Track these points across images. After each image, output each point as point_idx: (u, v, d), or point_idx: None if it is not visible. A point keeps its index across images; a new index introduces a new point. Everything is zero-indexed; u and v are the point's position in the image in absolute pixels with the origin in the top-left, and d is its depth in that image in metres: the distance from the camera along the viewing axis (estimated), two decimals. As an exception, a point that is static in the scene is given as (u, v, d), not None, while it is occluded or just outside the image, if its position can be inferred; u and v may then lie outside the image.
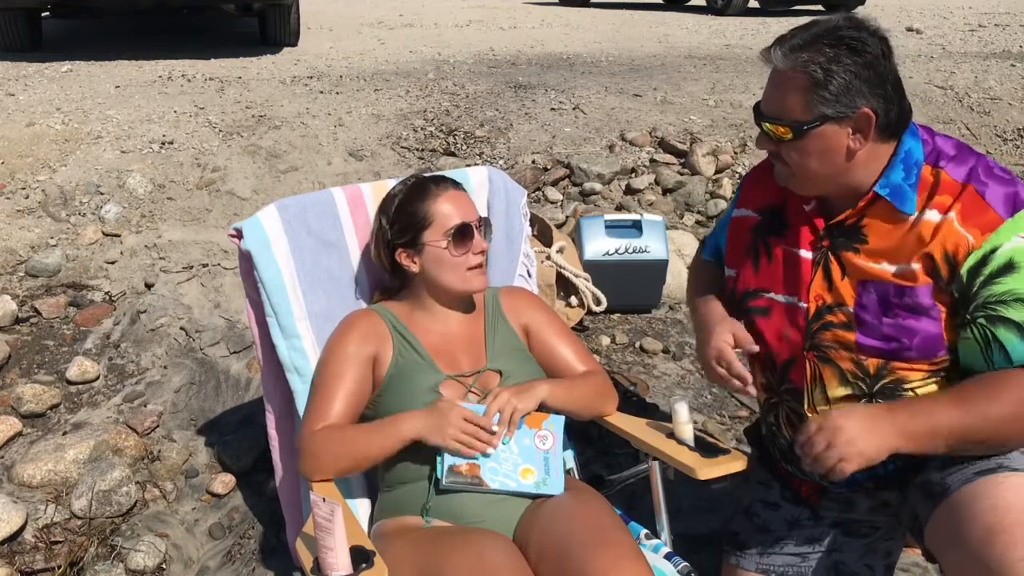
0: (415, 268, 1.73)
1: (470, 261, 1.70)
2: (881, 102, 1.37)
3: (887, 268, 1.43)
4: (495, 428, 1.55)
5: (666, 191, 3.87)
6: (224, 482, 2.30)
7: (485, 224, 1.75)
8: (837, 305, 1.49)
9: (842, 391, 1.51)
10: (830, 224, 1.51)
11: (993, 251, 1.34)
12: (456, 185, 1.75)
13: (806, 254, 1.54)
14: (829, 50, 1.36)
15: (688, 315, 3.19)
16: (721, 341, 1.58)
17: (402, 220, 1.72)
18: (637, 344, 2.98)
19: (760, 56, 1.46)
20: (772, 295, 1.59)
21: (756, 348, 1.59)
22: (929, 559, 1.51)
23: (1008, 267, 1.33)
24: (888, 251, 1.43)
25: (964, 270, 1.36)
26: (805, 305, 1.53)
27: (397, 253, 1.74)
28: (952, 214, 1.37)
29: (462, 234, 1.68)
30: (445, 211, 1.69)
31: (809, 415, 1.57)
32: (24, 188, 3.41)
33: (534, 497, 1.57)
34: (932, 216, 1.39)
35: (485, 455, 1.56)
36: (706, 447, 1.63)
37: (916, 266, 1.39)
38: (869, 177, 1.43)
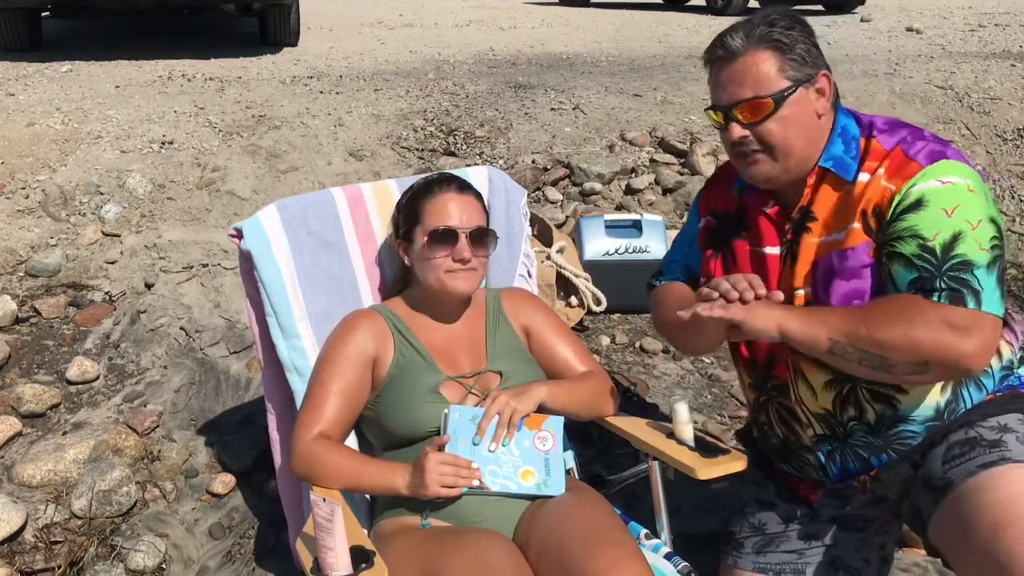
0: (407, 261, 1.76)
1: (447, 265, 1.68)
2: (829, 69, 1.49)
3: (834, 237, 1.47)
4: (474, 464, 1.54)
5: (666, 191, 3.87)
6: (224, 482, 2.30)
7: (486, 235, 1.72)
8: (794, 290, 1.52)
9: (824, 376, 1.52)
10: (791, 216, 1.54)
11: (908, 190, 1.39)
12: (463, 188, 1.74)
13: (772, 250, 1.57)
14: (781, 21, 1.46)
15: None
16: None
17: (404, 211, 1.77)
18: (637, 344, 2.98)
19: (705, 56, 1.53)
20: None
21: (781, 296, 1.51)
22: (931, 553, 1.52)
23: (916, 204, 1.38)
24: (834, 222, 1.48)
25: (888, 216, 1.41)
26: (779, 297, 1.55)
27: (397, 243, 1.78)
28: (880, 171, 1.44)
29: (441, 237, 1.67)
30: (436, 212, 1.70)
31: (797, 409, 1.58)
32: (24, 188, 3.41)
33: (535, 498, 1.57)
34: (863, 178, 1.45)
35: (485, 458, 1.56)
36: (706, 447, 1.63)
37: (856, 225, 1.44)
38: (815, 153, 1.50)
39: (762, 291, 1.44)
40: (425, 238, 1.68)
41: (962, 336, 1.32)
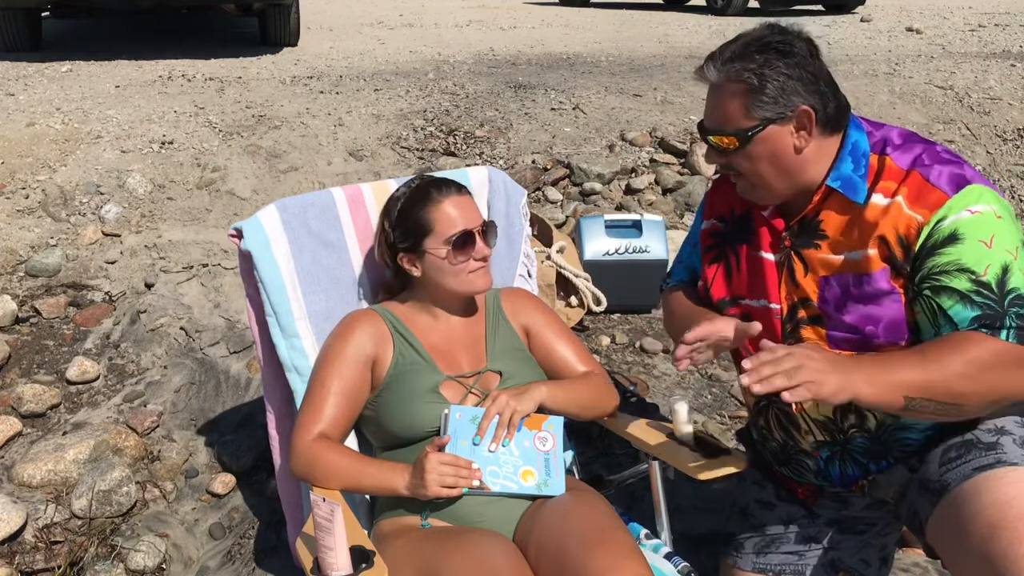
0: (417, 272, 1.73)
1: (471, 267, 1.69)
2: (817, 98, 1.42)
3: (846, 258, 1.45)
4: (475, 464, 1.54)
5: (666, 191, 3.87)
6: (224, 482, 2.30)
7: (489, 228, 1.73)
8: (802, 302, 1.51)
9: None
10: (790, 224, 1.53)
11: (939, 223, 1.36)
12: (460, 189, 1.74)
13: (770, 256, 1.56)
14: (759, 56, 1.41)
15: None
16: (717, 327, 1.52)
17: (404, 225, 1.72)
18: (637, 344, 2.98)
19: (695, 75, 1.51)
20: (746, 301, 1.61)
21: (759, 327, 1.50)
22: (930, 555, 1.52)
23: (952, 238, 1.35)
24: (846, 242, 1.46)
25: (917, 247, 1.38)
26: (777, 306, 1.55)
27: (399, 257, 1.74)
28: (900, 198, 1.40)
29: (463, 242, 1.67)
30: (446, 218, 1.68)
31: (797, 415, 1.57)
32: (24, 188, 3.41)
33: (535, 498, 1.57)
34: (879, 200, 1.42)
35: (485, 459, 1.56)
36: (706, 447, 1.63)
37: (872, 251, 1.42)
38: (820, 173, 1.47)
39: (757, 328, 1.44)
40: (448, 247, 1.67)
41: None
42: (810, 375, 1.28)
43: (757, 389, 1.28)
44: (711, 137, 1.48)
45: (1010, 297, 1.33)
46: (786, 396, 1.28)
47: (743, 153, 1.45)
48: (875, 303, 1.42)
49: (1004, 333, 1.32)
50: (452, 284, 1.70)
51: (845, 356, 1.41)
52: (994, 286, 1.33)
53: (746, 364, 1.32)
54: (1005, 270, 1.34)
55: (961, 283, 1.35)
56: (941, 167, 1.40)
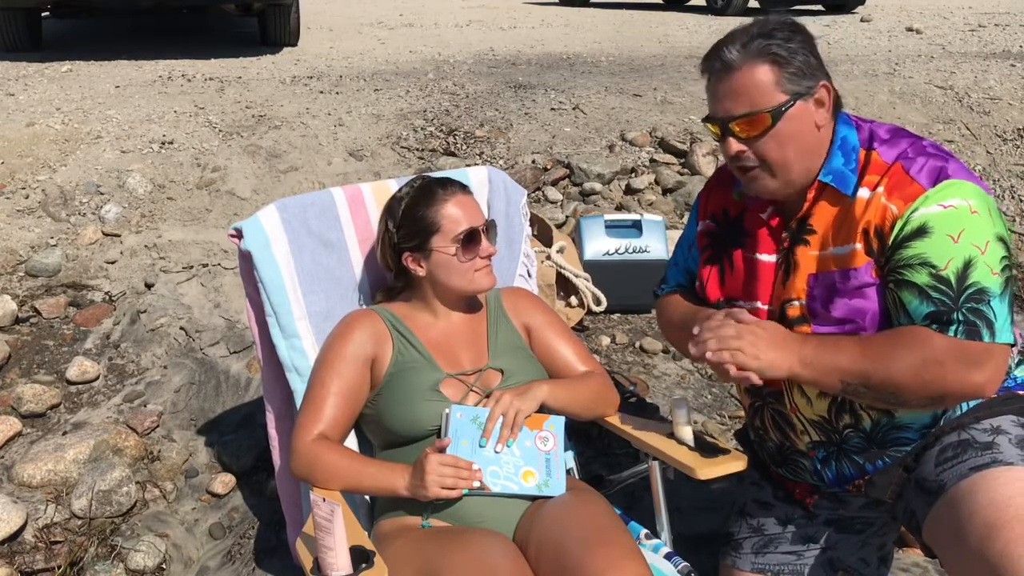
0: (422, 272, 1.72)
1: (477, 265, 1.70)
2: (829, 78, 1.44)
3: (833, 254, 1.45)
4: (475, 465, 1.54)
5: (666, 191, 3.87)
6: (224, 482, 2.30)
7: (491, 226, 1.75)
8: (788, 301, 1.51)
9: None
10: (789, 223, 1.53)
11: (911, 215, 1.36)
12: (463, 188, 1.75)
13: (768, 258, 1.56)
14: (779, 32, 1.41)
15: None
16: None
17: (409, 224, 1.72)
18: (637, 344, 2.98)
19: (702, 67, 1.47)
20: (740, 303, 1.60)
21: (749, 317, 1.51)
22: (927, 554, 1.52)
23: (920, 231, 1.36)
24: (832, 236, 1.46)
25: (890, 240, 1.39)
26: (767, 307, 1.55)
27: (404, 257, 1.73)
28: (880, 189, 1.40)
29: (470, 239, 1.68)
30: (453, 216, 1.69)
31: (793, 416, 1.57)
32: (24, 188, 3.41)
33: (535, 498, 1.57)
34: (864, 194, 1.42)
35: (486, 459, 1.56)
36: (706, 447, 1.63)
37: (858, 246, 1.42)
38: (816, 164, 1.47)
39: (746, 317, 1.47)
40: (457, 245, 1.68)
41: (974, 369, 1.33)
42: (743, 345, 1.40)
43: (694, 352, 1.42)
44: (736, 124, 1.42)
45: (968, 292, 1.33)
46: (709, 356, 1.41)
47: (773, 132, 1.41)
48: (861, 296, 1.42)
49: (953, 328, 1.33)
50: (458, 282, 1.70)
51: (798, 335, 1.46)
52: (953, 281, 1.33)
53: (694, 331, 1.42)
54: (967, 264, 1.33)
55: (921, 277, 1.35)
56: (924, 160, 1.40)
